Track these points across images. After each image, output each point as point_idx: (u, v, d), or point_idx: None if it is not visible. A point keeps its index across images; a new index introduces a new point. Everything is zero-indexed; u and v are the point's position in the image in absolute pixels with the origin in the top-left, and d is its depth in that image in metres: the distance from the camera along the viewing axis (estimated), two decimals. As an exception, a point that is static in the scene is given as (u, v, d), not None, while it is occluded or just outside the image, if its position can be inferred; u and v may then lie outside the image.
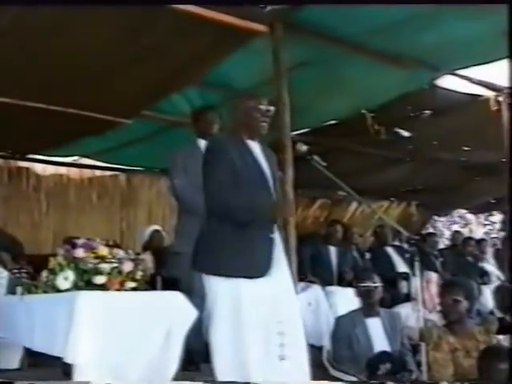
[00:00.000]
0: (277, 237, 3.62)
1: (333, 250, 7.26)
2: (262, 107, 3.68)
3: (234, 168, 3.55)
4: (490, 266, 9.07)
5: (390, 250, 7.66)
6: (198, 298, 4.02)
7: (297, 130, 7.39)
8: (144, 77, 5.36)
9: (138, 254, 5.73)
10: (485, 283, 8.02)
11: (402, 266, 7.26)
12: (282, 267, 3.62)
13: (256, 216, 3.50)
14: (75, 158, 9.07)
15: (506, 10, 3.67)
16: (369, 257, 7.95)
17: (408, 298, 6.32)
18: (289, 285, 3.67)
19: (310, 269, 6.82)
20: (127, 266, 3.78)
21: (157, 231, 7.36)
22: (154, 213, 9.56)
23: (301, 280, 5.81)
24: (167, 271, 5.01)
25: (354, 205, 11.66)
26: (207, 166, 3.63)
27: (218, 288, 3.52)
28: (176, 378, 3.64)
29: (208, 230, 3.64)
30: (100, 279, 3.67)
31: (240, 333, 3.43)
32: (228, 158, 3.55)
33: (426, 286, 5.69)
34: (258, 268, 3.51)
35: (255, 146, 3.71)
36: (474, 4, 4.70)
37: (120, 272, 3.75)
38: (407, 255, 6.98)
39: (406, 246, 7.34)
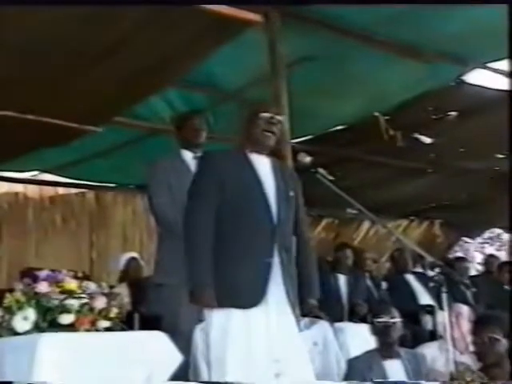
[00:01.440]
0: (276, 262, 3.66)
1: (342, 279, 7.26)
2: (266, 115, 3.74)
3: (223, 187, 3.66)
4: (532, 295, 9.07)
5: (410, 279, 7.66)
6: (183, 338, 4.03)
7: (298, 137, 7.43)
8: (115, 76, 5.36)
9: (112, 286, 5.73)
10: (527, 317, 8.01)
11: (425, 298, 7.26)
12: (280, 297, 3.66)
13: (246, 240, 3.60)
14: (34, 173, 9.09)
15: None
16: (385, 287, 7.95)
17: (434, 336, 6.31)
18: (288, 317, 3.71)
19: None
20: (99, 302, 3.78)
21: (134, 259, 7.36)
22: (129, 237, 9.56)
23: (304, 315, 5.81)
24: (147, 307, 5.00)
25: (366, 224, 11.70)
26: (192, 186, 3.77)
27: (208, 320, 3.59)
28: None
29: None
30: (67, 318, 3.67)
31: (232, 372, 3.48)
32: (215, 177, 3.68)
33: (455, 321, 5.68)
34: (248, 296, 3.57)
35: (262, 162, 3.79)
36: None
37: (91, 309, 3.75)
38: (432, 284, 6.94)
39: (429, 273, 7.32)
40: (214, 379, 3.56)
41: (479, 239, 15.09)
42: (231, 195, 3.67)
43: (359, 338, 5.94)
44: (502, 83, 7.33)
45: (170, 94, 6.60)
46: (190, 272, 3.61)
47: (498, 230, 14.84)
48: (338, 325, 6.52)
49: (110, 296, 3.91)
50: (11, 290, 3.83)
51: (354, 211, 4.63)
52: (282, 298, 3.67)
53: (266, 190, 3.72)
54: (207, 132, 4.96)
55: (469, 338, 5.21)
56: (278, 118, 3.80)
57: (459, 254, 12.50)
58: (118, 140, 7.65)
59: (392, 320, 5.05)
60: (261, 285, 3.60)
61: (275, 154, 3.97)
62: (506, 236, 15.24)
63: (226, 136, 6.96)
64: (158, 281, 4.64)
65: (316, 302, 4.02)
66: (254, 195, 3.70)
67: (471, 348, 4.88)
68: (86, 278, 4.25)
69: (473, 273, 10.60)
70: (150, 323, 4.06)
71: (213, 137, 5.76)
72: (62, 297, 3.72)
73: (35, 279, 3.79)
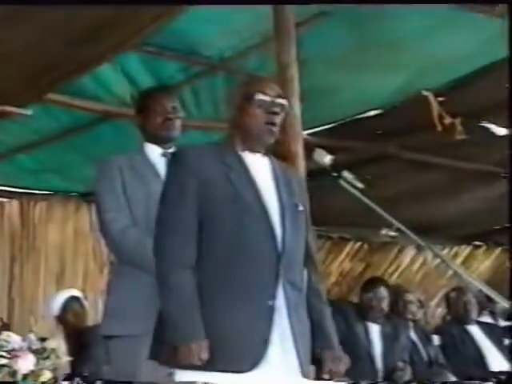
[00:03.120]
0: (281, 304, 3.66)
1: (375, 330, 7.30)
2: (263, 99, 3.75)
3: (205, 199, 3.64)
4: None
5: (474, 331, 7.69)
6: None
7: (313, 127, 7.45)
8: (48, 36, 5.37)
9: (44, 339, 5.75)
10: None
11: (496, 359, 7.28)
12: (288, 354, 3.66)
13: (238, 275, 3.59)
14: None
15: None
16: (438, 342, 7.98)
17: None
18: (300, 381, 3.70)
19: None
20: (25, 363, 3.80)
21: (74, 299, 7.37)
22: (69, 268, 9.57)
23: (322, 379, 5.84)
24: (93, 368, 5.01)
25: (409, 252, 11.71)
26: (161, 201, 3.75)
27: None
28: None
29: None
30: (-22, 386, 3.69)
31: None
32: (193, 187, 3.65)
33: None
34: (244, 356, 3.55)
35: (259, 164, 3.80)
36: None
37: (12, 373, 3.76)
38: (507, 340, 7.00)
39: (503, 323, 7.36)
40: None
41: None
42: (216, 210, 3.64)
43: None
44: None
45: (130, 61, 6.58)
46: (169, 322, 3.60)
47: None
48: (369, 394, 6.56)
49: (40, 353, 3.92)
50: None
51: (392, 233, 4.62)
52: (291, 356, 3.66)
53: (265, 202, 3.70)
54: (183, 118, 4.95)
55: None
56: (281, 101, 3.77)
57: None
58: (54, 127, 7.65)
59: (447, 390, 5.08)
60: (260, 340, 3.57)
61: (277, 152, 3.97)
62: None
63: (210, 123, 7.02)
64: (110, 331, 4.64)
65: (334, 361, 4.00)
66: (249, 210, 3.66)
67: None
68: (5, 327, 4.27)
69: None
70: (98, 391, 4.08)
71: (191, 124, 5.76)
72: (-29, 355, 3.74)
73: None
